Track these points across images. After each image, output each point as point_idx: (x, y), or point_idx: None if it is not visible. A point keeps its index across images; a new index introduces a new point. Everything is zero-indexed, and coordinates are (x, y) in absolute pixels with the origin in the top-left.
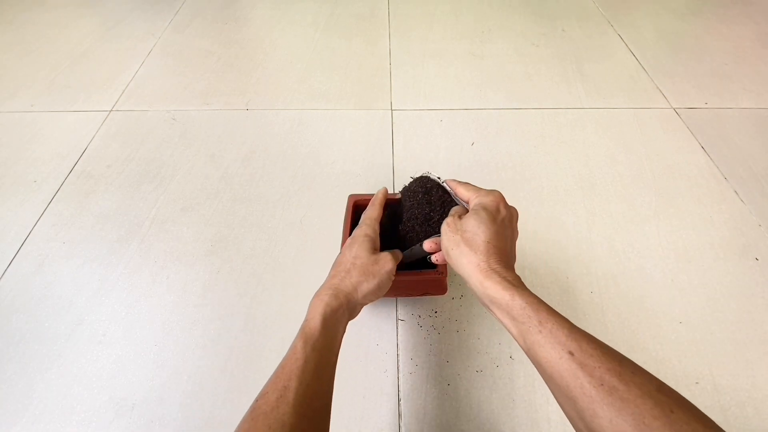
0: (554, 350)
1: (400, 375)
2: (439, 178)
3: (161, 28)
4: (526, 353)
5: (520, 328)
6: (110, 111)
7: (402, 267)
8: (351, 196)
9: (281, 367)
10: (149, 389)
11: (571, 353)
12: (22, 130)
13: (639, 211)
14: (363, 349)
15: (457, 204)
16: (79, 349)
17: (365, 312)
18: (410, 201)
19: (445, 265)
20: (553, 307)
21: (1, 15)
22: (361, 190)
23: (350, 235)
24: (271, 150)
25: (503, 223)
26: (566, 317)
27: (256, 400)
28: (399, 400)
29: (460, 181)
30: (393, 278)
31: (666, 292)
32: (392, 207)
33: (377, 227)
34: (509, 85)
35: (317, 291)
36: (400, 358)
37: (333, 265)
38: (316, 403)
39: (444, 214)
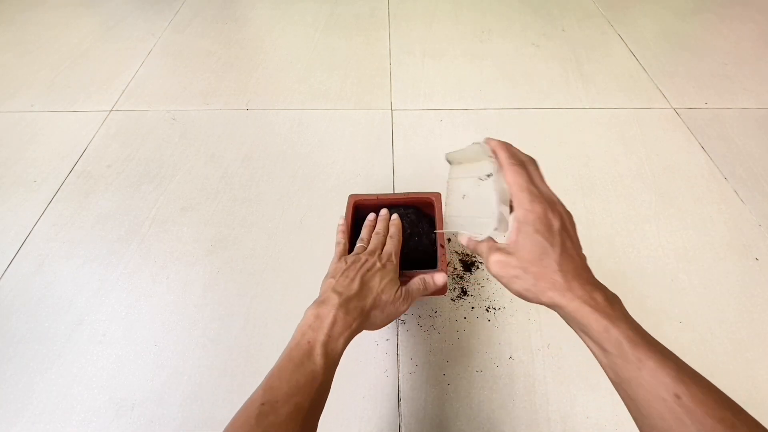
0: (655, 390)
1: (400, 375)
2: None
3: (161, 28)
4: (615, 384)
5: (612, 360)
6: (110, 111)
7: (403, 266)
8: (351, 196)
9: (295, 379)
10: (149, 389)
11: (677, 396)
12: (22, 130)
13: (639, 211)
14: (363, 349)
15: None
16: (79, 349)
17: None
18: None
19: (445, 265)
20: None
21: (1, 15)
22: (361, 190)
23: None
24: (271, 150)
25: (561, 234)
26: (671, 350)
27: (262, 404)
28: (399, 400)
29: (501, 142)
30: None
31: (666, 292)
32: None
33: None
34: (509, 85)
35: (346, 304)
36: (400, 358)
37: (358, 283)
38: (312, 423)
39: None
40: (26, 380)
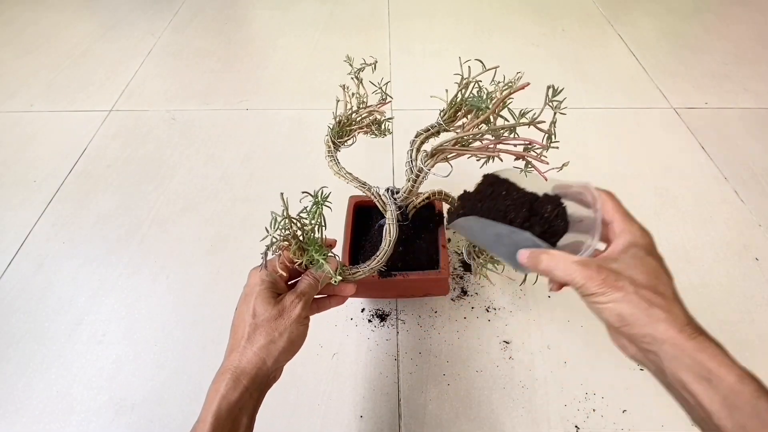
0: None
1: (400, 375)
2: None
3: (161, 28)
4: None
5: (743, 422)
6: (110, 111)
7: (398, 268)
8: (352, 197)
9: None
10: (149, 389)
11: None
12: (22, 130)
13: (639, 211)
14: (363, 350)
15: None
16: (79, 349)
17: (365, 313)
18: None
19: (447, 265)
20: (553, 308)
21: (1, 15)
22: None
23: (351, 237)
24: (271, 150)
25: (666, 271)
26: None
27: None
28: (399, 400)
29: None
30: (308, 323)
31: None
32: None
33: (277, 269)
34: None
35: (218, 370)
36: (400, 358)
37: (231, 329)
38: None
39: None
40: (26, 380)
